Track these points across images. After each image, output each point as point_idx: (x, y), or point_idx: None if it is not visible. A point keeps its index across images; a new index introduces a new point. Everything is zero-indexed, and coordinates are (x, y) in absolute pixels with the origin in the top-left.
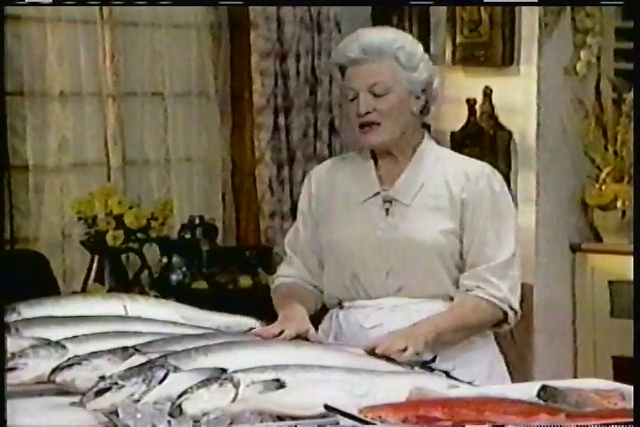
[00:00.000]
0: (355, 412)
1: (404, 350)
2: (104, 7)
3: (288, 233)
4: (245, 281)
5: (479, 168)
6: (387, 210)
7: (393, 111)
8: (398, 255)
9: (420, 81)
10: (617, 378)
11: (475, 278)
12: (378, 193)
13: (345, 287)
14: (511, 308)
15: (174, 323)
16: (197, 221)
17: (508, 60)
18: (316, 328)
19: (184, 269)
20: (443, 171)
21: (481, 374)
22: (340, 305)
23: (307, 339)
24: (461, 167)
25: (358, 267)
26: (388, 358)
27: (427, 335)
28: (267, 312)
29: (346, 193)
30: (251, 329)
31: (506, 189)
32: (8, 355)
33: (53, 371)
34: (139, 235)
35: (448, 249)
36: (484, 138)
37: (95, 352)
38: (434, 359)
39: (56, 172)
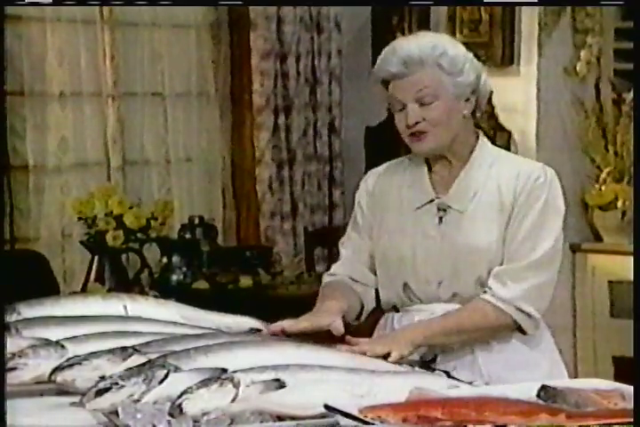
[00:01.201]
0: (355, 412)
1: (388, 354)
2: (104, 7)
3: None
4: (246, 281)
5: (531, 171)
6: (440, 218)
7: (442, 118)
8: (451, 264)
9: (466, 84)
10: (617, 378)
11: (493, 278)
12: (432, 200)
13: (397, 294)
14: (521, 310)
15: (174, 323)
16: (197, 221)
17: (507, 60)
18: (368, 331)
19: (184, 269)
20: (496, 176)
21: (541, 377)
22: (395, 309)
23: (329, 333)
24: (514, 170)
25: (409, 276)
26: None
27: (413, 340)
28: (267, 312)
29: (399, 199)
30: (251, 329)
31: (559, 191)
32: (8, 355)
33: (53, 371)
34: (139, 235)
35: (500, 257)
36: None
37: (95, 352)
38: (434, 359)
39: (56, 172)
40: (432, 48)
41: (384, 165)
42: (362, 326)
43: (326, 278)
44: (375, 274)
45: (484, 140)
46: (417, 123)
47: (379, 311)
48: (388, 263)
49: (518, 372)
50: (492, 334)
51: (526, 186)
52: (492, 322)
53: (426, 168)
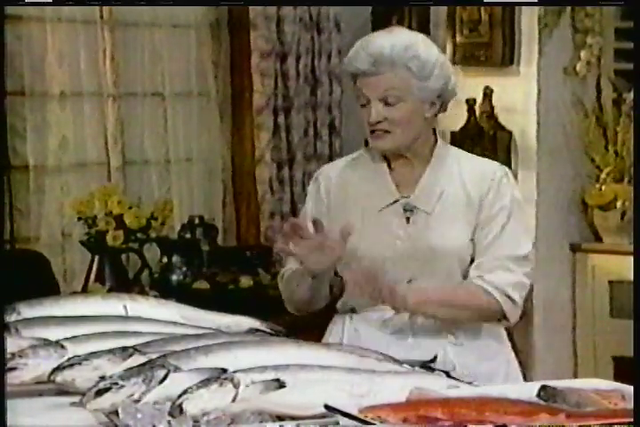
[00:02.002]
0: (355, 412)
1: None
2: (104, 7)
3: None
4: (246, 281)
5: (494, 169)
6: (407, 219)
7: (404, 120)
8: (420, 264)
9: (433, 89)
10: (617, 378)
11: (477, 268)
12: (396, 201)
13: (363, 297)
14: (510, 298)
15: (174, 323)
16: (197, 221)
17: (507, 60)
18: (321, 332)
19: (184, 269)
20: (460, 175)
21: (499, 371)
22: (352, 311)
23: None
24: (478, 169)
25: None
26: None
27: (407, 294)
28: (267, 312)
29: (360, 200)
30: (251, 329)
31: (517, 189)
32: (8, 355)
33: (53, 371)
34: (139, 235)
35: (468, 255)
36: (484, 138)
37: (95, 352)
38: (434, 359)
39: (56, 172)
40: (405, 49)
41: (337, 163)
42: (312, 328)
43: (287, 272)
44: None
45: (442, 140)
46: (379, 122)
47: (327, 313)
48: (356, 265)
49: (485, 363)
50: (477, 317)
51: (492, 185)
52: (483, 305)
53: (386, 166)
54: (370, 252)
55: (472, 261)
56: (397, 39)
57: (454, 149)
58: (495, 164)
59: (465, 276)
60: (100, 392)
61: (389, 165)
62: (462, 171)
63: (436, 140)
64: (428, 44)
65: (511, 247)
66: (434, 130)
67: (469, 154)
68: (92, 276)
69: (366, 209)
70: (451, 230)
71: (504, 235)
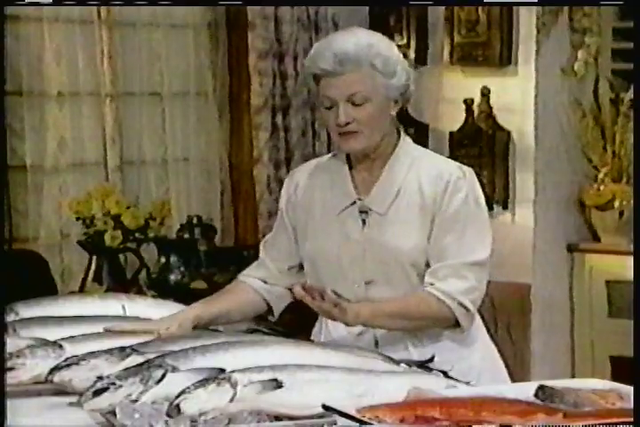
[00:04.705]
0: (353, 412)
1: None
2: (102, 7)
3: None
4: None
5: (451, 170)
6: (363, 220)
7: (372, 119)
8: (376, 267)
9: (398, 86)
10: (614, 378)
11: (430, 275)
12: (354, 202)
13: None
14: (462, 305)
15: None
16: (195, 220)
17: (505, 60)
18: (307, 331)
19: (182, 269)
20: (417, 176)
21: (471, 370)
22: None
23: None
24: (435, 170)
25: (337, 279)
26: (386, 358)
27: (360, 313)
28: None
29: (323, 201)
30: (249, 329)
31: (479, 191)
32: (6, 355)
33: (51, 371)
34: (137, 235)
35: (423, 258)
36: (482, 138)
37: (93, 352)
38: (432, 359)
39: (54, 172)
40: (368, 47)
41: (309, 164)
42: (310, 328)
43: (238, 278)
44: (294, 271)
45: (405, 139)
46: (348, 123)
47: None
48: (315, 267)
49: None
50: (431, 325)
51: (447, 186)
52: (435, 313)
53: (347, 168)
54: (327, 255)
55: (428, 264)
56: (359, 38)
57: (416, 149)
58: (454, 164)
59: (422, 279)
60: (97, 392)
61: (352, 168)
62: (420, 173)
63: (398, 139)
64: (387, 41)
65: (466, 253)
66: (399, 130)
67: (431, 154)
68: (90, 276)
69: (327, 212)
70: (404, 233)
71: (458, 240)
